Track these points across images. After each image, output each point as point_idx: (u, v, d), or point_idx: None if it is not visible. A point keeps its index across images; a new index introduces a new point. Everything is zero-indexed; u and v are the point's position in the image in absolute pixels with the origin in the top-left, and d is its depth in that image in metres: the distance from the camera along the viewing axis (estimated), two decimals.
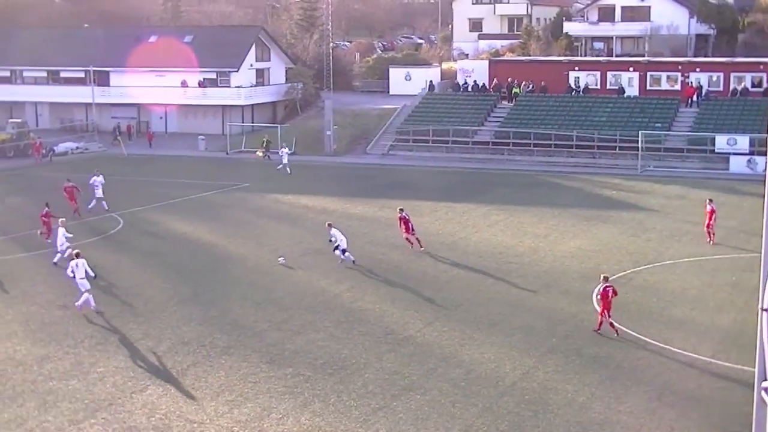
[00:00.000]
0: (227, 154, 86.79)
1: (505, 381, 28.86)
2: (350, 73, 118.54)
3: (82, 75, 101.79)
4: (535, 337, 32.92)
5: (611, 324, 32.89)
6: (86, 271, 35.62)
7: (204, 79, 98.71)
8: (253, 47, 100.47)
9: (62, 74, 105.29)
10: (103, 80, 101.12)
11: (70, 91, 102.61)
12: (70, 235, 43.58)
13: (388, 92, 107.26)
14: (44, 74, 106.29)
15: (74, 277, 35.67)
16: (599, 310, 33.48)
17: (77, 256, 35.87)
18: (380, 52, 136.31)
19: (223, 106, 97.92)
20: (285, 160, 73.86)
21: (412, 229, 46.52)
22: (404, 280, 40.69)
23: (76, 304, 35.66)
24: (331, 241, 43.28)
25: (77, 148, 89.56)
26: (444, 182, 68.84)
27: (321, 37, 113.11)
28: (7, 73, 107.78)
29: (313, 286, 39.79)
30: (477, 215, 55.51)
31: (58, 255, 42.82)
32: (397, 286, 39.72)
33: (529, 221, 53.45)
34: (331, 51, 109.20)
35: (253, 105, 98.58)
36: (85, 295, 35.61)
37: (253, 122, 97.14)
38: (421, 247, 46.09)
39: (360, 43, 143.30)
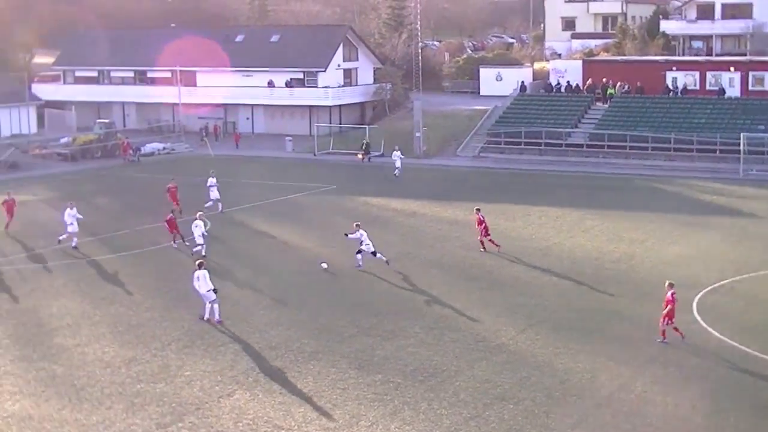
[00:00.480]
0: (314, 155, 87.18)
1: (601, 392, 28.47)
2: (440, 73, 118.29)
3: (169, 75, 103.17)
4: (633, 347, 32.43)
5: (675, 329, 32.59)
6: (207, 283, 35.11)
7: (291, 79, 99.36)
8: (341, 47, 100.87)
9: (149, 74, 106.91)
10: (189, 80, 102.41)
11: (156, 91, 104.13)
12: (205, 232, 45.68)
13: (479, 93, 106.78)
14: (131, 74, 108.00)
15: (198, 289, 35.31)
16: (663, 316, 32.90)
17: (200, 266, 35.43)
18: (470, 51, 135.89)
19: (311, 107, 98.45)
20: (398, 164, 72.59)
21: (487, 231, 46.50)
22: (496, 286, 40.46)
23: (206, 317, 35.44)
24: (360, 242, 43.25)
25: (164, 148, 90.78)
26: (536, 185, 68.31)
27: (410, 36, 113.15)
28: (95, 74, 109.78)
29: (403, 291, 39.74)
30: (571, 220, 54.96)
31: (198, 247, 44.97)
32: (489, 292, 39.49)
33: (626, 226, 52.74)
34: (420, 51, 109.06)
35: (340, 105, 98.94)
36: (208, 305, 35.36)
37: (340, 123, 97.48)
38: (497, 246, 46.28)
39: (449, 42, 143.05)
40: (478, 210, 47.32)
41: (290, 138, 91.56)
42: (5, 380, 29.43)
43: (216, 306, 35.41)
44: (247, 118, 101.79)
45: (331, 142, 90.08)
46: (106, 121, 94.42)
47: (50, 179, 73.57)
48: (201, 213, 47.56)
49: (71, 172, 77.90)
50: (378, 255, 43.30)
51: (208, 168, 63.99)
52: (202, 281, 35.19)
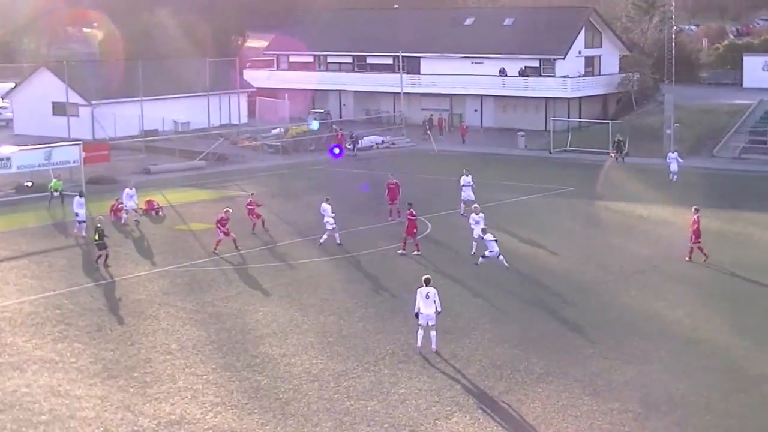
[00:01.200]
0: (550, 153, 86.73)
1: None
2: (696, 62, 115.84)
3: (391, 61, 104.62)
4: None
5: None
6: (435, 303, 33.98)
7: (525, 67, 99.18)
8: (583, 31, 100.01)
9: (368, 60, 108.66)
10: (413, 67, 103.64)
11: (377, 78, 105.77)
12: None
13: (741, 85, 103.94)
14: (349, 60, 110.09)
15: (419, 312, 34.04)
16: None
17: (427, 283, 34.15)
18: (733, 37, 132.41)
19: (546, 99, 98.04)
20: (674, 168, 70.36)
21: (698, 236, 46.26)
22: (757, 307, 39.19)
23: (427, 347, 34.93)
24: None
25: (383, 142, 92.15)
26: None
27: (662, 20, 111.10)
28: (310, 59, 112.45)
29: (647, 309, 38.99)
30: None
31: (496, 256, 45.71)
32: (748, 314, 38.28)
33: None
34: (673, 36, 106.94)
35: (580, 98, 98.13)
36: (432, 334, 34.12)
37: (580, 117, 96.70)
38: (705, 256, 45.76)
39: (709, 27, 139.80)
40: (697, 210, 46.81)
41: (523, 133, 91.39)
42: (207, 390, 30.40)
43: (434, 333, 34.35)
44: (476, 111, 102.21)
45: (568, 138, 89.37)
46: (321, 110, 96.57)
47: (259, 173, 75.78)
48: (476, 206, 49.62)
49: (282, 166, 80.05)
50: (501, 258, 44.75)
51: (432, 164, 64.51)
52: (430, 303, 33.76)
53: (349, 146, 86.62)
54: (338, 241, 49.65)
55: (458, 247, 50.00)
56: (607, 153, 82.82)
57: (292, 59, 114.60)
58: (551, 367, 32.35)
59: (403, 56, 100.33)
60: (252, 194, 55.56)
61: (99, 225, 46.50)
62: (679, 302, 39.83)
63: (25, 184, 66.25)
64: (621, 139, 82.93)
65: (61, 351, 34.15)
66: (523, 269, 45.47)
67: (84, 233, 52.08)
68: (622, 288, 42.15)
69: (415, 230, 48.48)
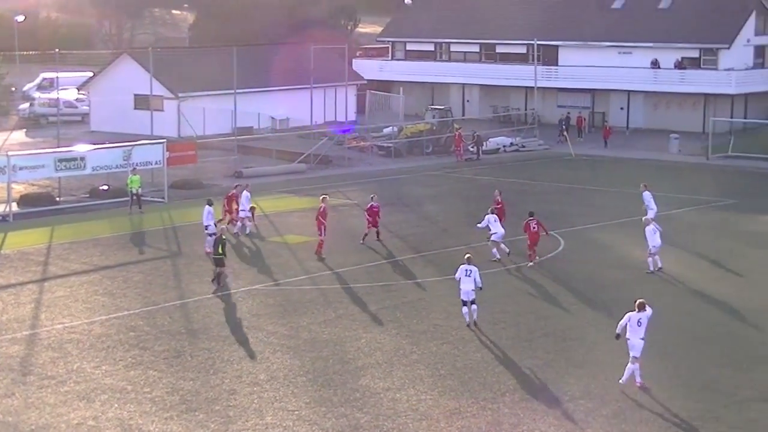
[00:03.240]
0: (708, 159, 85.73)
1: None
2: None
3: (524, 50, 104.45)
4: None
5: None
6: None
7: (683, 58, 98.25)
8: (753, 16, 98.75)
9: (498, 49, 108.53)
10: (550, 58, 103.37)
11: (506, 70, 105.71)
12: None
13: None
14: (476, 49, 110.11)
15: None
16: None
17: (641, 308, 34.10)
18: None
19: (706, 95, 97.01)
20: None
21: None
22: None
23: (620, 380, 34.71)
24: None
25: (511, 144, 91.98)
26: None
27: None
28: (431, 47, 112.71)
29: None
30: None
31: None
32: None
33: None
34: None
35: (746, 94, 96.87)
36: (630, 366, 34.18)
37: (745, 117, 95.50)
38: None
39: None
40: None
41: (677, 136, 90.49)
42: (299, 427, 30.59)
43: (635, 367, 34.11)
44: (621, 108, 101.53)
45: (730, 142, 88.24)
46: (441, 107, 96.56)
47: (367, 179, 76.00)
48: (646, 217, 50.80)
49: (394, 170, 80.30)
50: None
51: (567, 171, 64.06)
52: (639, 331, 34.03)
53: (471, 148, 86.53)
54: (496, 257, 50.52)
55: (597, 265, 49.73)
56: None
57: (409, 47, 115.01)
58: (704, 410, 31.97)
59: (538, 44, 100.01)
60: (372, 197, 55.14)
61: (223, 236, 46.67)
62: None
63: (101, 188, 67.41)
64: None
65: (133, 379, 34.68)
66: (673, 291, 45.02)
67: (209, 249, 50.30)
68: None
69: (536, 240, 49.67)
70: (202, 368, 35.67)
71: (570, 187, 71.26)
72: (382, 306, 43.22)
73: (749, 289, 45.97)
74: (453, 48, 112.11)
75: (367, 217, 54.29)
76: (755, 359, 36.75)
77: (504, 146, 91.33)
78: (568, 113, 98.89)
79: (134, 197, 62.40)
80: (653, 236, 48.02)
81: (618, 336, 34.24)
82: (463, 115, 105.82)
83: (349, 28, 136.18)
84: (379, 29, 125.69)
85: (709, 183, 74.14)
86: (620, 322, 34.12)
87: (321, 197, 52.38)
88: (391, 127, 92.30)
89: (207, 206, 51.79)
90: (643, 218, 50.57)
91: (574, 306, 43.01)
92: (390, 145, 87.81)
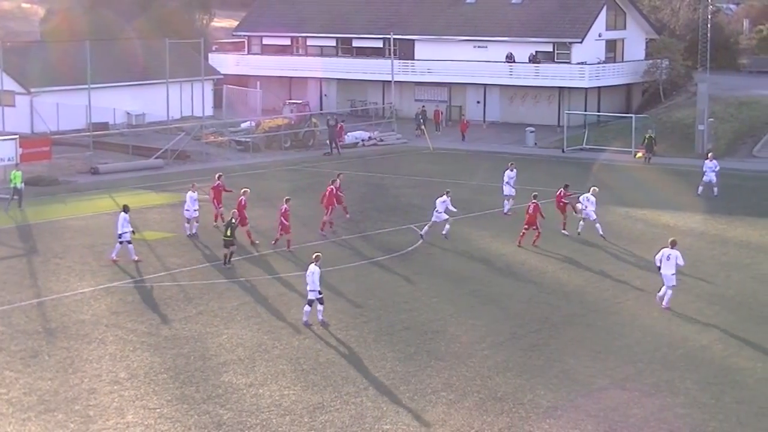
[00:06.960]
0: (563, 152, 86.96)
1: None
2: (735, 47, 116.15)
3: (380, 45, 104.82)
4: None
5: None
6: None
7: (536, 52, 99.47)
8: (604, 11, 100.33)
9: (355, 44, 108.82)
10: (406, 52, 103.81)
11: (363, 65, 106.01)
12: None
13: None
14: (332, 43, 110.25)
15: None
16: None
17: (673, 244, 42.14)
18: None
19: (560, 89, 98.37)
20: (708, 178, 66.45)
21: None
22: None
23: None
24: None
25: (369, 138, 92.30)
26: None
27: None
28: (287, 42, 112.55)
29: (672, 333, 39.17)
30: None
31: None
32: None
33: None
34: (709, 17, 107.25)
35: (599, 88, 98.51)
36: (668, 293, 41.30)
37: (599, 111, 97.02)
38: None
39: (751, 6, 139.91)
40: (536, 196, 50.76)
41: (532, 129, 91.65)
42: (161, 425, 30.44)
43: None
44: (478, 102, 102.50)
45: (585, 135, 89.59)
46: (299, 102, 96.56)
47: (226, 174, 75.31)
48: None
49: (252, 165, 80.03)
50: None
51: (425, 165, 64.43)
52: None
53: (333, 143, 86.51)
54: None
55: (459, 260, 50.19)
56: (631, 152, 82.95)
57: (265, 41, 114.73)
58: (560, 399, 32.50)
59: (394, 39, 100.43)
60: (287, 200, 54.17)
61: (233, 220, 48.84)
62: (710, 325, 40.00)
63: None
64: (653, 135, 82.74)
65: None
66: (529, 284, 45.64)
67: (136, 257, 49.35)
68: (644, 308, 42.29)
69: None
70: (60, 368, 35.25)
71: (429, 181, 71.67)
72: (242, 302, 43.12)
73: (601, 280, 46.78)
74: (310, 42, 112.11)
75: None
76: (612, 348, 37.35)
77: (362, 140, 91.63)
78: (424, 107, 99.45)
79: (15, 193, 61.12)
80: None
81: (659, 268, 41.53)
82: (321, 109, 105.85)
83: (204, 22, 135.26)
84: (235, 23, 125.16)
85: (565, 175, 74.43)
86: (656, 256, 41.96)
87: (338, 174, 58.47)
88: (248, 122, 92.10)
89: (123, 213, 49.78)
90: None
91: (435, 299, 43.37)
92: (248, 139, 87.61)
